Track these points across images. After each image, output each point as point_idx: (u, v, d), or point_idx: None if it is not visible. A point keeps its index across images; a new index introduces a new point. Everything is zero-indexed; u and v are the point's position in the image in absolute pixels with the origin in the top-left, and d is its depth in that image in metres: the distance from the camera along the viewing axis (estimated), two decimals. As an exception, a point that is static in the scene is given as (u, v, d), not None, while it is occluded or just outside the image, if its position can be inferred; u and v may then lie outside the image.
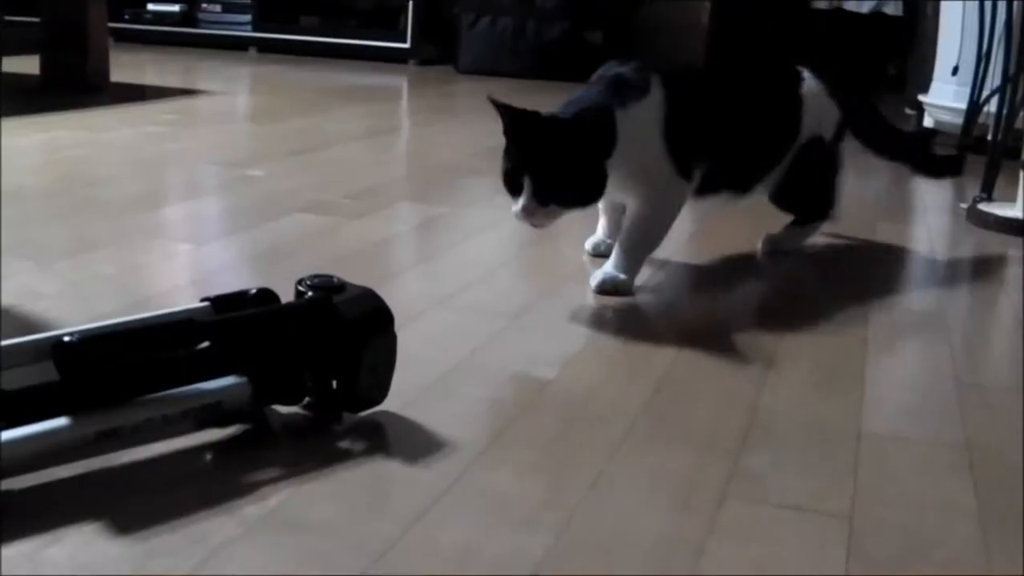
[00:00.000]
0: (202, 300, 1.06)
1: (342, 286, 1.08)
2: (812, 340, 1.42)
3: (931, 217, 2.36)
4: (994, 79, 2.91)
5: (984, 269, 1.93)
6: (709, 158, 1.65)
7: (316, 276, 1.09)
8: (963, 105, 3.12)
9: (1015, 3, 2.81)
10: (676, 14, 5.27)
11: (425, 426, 1.07)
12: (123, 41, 5.18)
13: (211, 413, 1.00)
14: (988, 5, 2.97)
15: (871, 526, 0.92)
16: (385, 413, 1.09)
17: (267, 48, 5.28)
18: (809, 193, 1.89)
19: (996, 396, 1.27)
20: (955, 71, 3.26)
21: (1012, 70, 2.60)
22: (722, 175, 1.70)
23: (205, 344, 1.00)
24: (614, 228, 1.75)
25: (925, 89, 3.48)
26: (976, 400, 1.24)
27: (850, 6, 5.48)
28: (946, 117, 3.32)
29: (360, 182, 2.29)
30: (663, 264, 1.76)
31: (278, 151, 2.64)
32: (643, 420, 1.12)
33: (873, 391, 1.25)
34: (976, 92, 3.04)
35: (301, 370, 1.05)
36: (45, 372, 0.93)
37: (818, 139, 1.83)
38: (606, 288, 1.57)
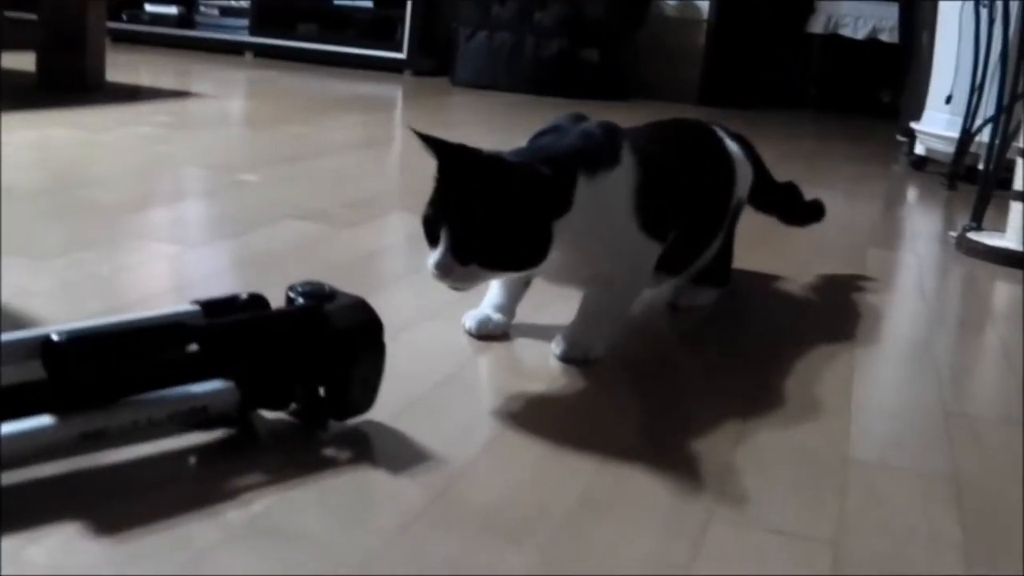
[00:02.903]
0: (192, 303, 1.05)
1: (333, 294, 1.08)
2: (800, 366, 1.42)
3: (920, 245, 2.37)
4: (987, 109, 2.93)
5: (972, 299, 1.94)
6: (675, 226, 1.45)
7: (307, 283, 1.09)
8: (955, 134, 3.14)
9: (1010, 34, 2.82)
10: (673, 36, 5.28)
11: (412, 438, 1.07)
12: (120, 41, 5.17)
13: (197, 417, 0.99)
14: (983, 35, 2.98)
15: (856, 553, 0.92)
16: (373, 424, 1.08)
17: (263, 53, 5.28)
18: (727, 256, 1.71)
19: (983, 427, 1.27)
20: (948, 100, 3.27)
21: (1006, 100, 2.61)
22: (668, 252, 1.45)
23: (194, 347, 0.99)
24: (513, 299, 1.44)
25: (918, 117, 3.49)
26: (963, 430, 1.24)
27: (846, 32, 5.50)
28: (938, 145, 3.33)
29: (353, 191, 2.29)
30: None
31: (271, 157, 2.64)
32: (631, 440, 1.12)
33: (860, 419, 1.25)
34: (969, 121, 3.05)
35: (289, 377, 1.05)
36: (35, 370, 0.93)
37: (741, 204, 1.69)
38: (575, 357, 1.34)
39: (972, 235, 2.27)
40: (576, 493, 0.98)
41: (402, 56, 5.10)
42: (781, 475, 1.06)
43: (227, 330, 1.01)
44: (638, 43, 5.18)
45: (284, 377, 1.04)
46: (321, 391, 1.06)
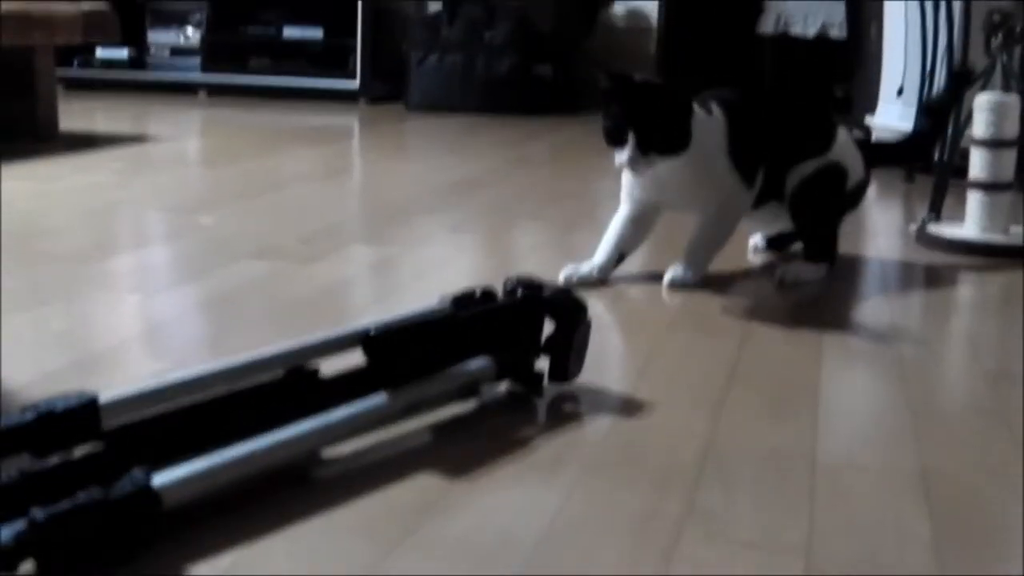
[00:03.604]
0: (441, 299, 1.27)
1: (541, 284, 1.31)
2: (765, 368, 1.43)
3: (881, 239, 2.38)
4: (938, 100, 2.94)
5: (935, 291, 1.94)
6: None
7: (520, 277, 1.31)
8: (909, 125, 3.15)
9: (955, 24, 2.84)
10: (624, 44, 5.30)
11: (377, 471, 1.06)
12: (73, 88, 5.15)
13: (469, 388, 1.24)
14: (930, 26, 3.01)
15: (828, 559, 0.92)
16: (321, 460, 1.08)
17: (217, 91, 5.26)
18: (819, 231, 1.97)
19: (950, 420, 1.27)
20: (900, 92, 3.30)
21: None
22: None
23: (460, 334, 1.21)
24: (610, 261, 1.86)
25: (872, 110, 3.51)
26: (930, 425, 1.24)
27: (796, 31, 5.53)
28: (893, 137, 3.35)
29: (312, 224, 2.29)
30: (618, 288, 1.77)
31: (229, 195, 2.63)
32: (597, 457, 1.12)
33: (827, 419, 1.25)
34: (921, 112, 3.07)
35: (530, 351, 1.27)
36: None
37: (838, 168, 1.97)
38: (675, 285, 1.79)
39: (932, 227, 2.28)
40: (544, 514, 0.98)
41: (356, 85, 5.10)
42: (749, 482, 1.06)
43: (487, 318, 1.24)
44: (589, 55, 5.19)
45: (527, 352, 1.28)
46: (542, 362, 1.28)
